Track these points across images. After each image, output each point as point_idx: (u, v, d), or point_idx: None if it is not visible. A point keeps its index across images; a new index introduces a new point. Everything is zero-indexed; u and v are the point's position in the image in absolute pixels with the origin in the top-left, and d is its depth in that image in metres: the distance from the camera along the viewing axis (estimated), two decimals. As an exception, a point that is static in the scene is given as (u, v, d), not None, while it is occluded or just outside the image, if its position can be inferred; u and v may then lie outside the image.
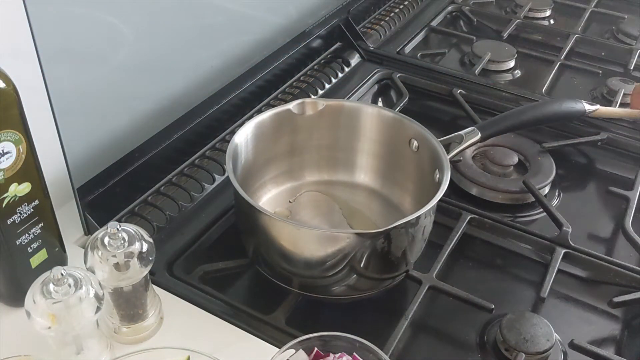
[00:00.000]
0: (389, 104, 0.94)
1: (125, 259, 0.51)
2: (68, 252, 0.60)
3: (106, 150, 0.69)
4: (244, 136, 0.66)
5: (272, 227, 0.58)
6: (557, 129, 0.87)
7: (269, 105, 0.86)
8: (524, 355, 0.57)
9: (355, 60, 1.00)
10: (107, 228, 0.51)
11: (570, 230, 0.69)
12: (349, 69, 0.97)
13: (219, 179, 0.74)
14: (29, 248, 0.55)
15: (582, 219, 0.74)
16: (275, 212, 0.71)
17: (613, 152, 0.86)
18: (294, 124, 0.70)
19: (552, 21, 1.18)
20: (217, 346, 0.54)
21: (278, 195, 0.73)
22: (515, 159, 0.79)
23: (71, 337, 0.50)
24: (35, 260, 0.56)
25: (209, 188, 0.73)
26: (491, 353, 0.59)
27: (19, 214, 0.52)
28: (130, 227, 0.53)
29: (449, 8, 1.19)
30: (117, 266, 0.51)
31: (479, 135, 0.73)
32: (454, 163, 0.78)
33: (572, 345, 0.59)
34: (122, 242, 0.51)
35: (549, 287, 0.64)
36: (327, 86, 0.93)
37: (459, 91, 0.93)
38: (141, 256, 0.52)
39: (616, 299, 0.64)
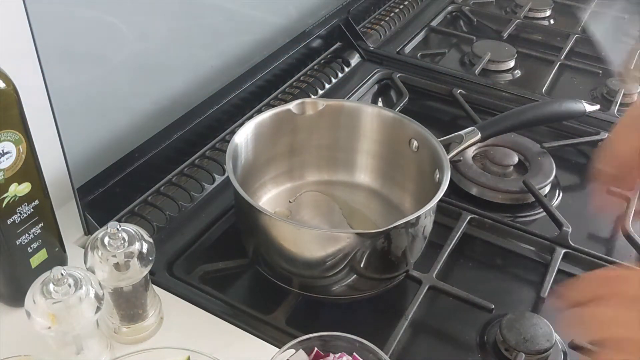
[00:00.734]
0: (389, 104, 0.94)
1: (125, 259, 0.51)
2: (68, 252, 0.60)
3: (106, 150, 0.69)
4: (244, 136, 0.66)
5: (272, 227, 0.58)
6: (557, 129, 0.87)
7: (269, 105, 0.86)
8: (524, 355, 0.57)
9: (355, 60, 1.00)
10: (107, 228, 0.51)
11: (570, 230, 0.69)
12: (349, 69, 0.98)
13: (219, 179, 0.74)
14: (29, 248, 0.55)
15: (582, 219, 0.74)
16: (275, 212, 0.71)
17: (613, 152, 0.85)
18: (294, 124, 0.70)
19: (552, 21, 1.18)
20: (217, 346, 0.54)
21: (278, 195, 0.73)
22: (515, 159, 0.79)
23: (71, 337, 0.50)
24: (35, 260, 0.56)
25: (209, 188, 0.73)
26: (491, 353, 0.59)
27: (19, 214, 0.52)
28: (130, 227, 0.53)
29: (449, 8, 1.19)
30: (117, 266, 0.51)
31: (479, 135, 0.73)
32: (454, 163, 0.78)
33: (572, 345, 0.59)
34: (122, 242, 0.51)
35: (549, 287, 0.64)
36: (327, 86, 0.93)
37: (459, 91, 0.93)
38: (141, 256, 0.52)
39: (616, 299, 0.64)
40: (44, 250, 0.56)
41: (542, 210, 0.74)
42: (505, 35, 1.10)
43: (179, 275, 0.63)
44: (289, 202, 0.73)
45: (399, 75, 0.96)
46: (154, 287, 0.58)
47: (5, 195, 0.50)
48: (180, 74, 0.78)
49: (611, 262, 0.67)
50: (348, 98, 0.91)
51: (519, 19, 1.15)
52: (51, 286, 0.47)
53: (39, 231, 0.55)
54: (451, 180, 0.63)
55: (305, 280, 0.61)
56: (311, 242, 0.58)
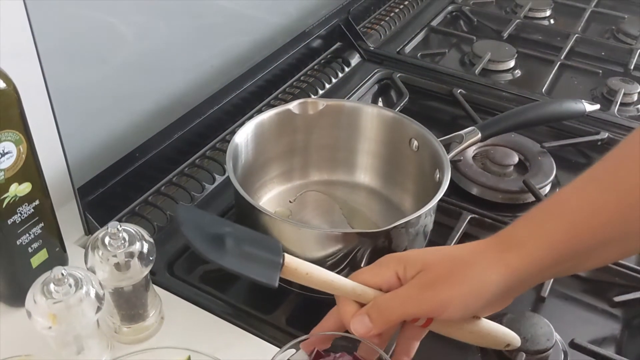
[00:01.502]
0: (389, 104, 0.94)
1: (126, 259, 0.51)
2: (68, 252, 0.60)
3: (106, 150, 0.69)
4: (244, 136, 0.66)
5: (272, 227, 0.58)
6: (557, 128, 0.87)
7: (269, 105, 0.86)
8: (524, 354, 0.57)
9: (355, 60, 1.00)
10: (107, 228, 0.51)
11: (570, 230, 0.69)
12: (349, 68, 0.98)
13: (219, 178, 0.74)
14: (29, 248, 0.55)
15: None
16: (275, 212, 0.71)
17: (613, 152, 0.85)
18: (295, 124, 0.70)
19: (552, 21, 1.18)
20: (218, 346, 0.54)
21: (278, 195, 0.73)
22: (516, 159, 0.79)
23: (72, 337, 0.50)
24: (35, 260, 0.56)
25: (210, 188, 0.73)
26: (491, 353, 0.59)
27: (19, 214, 0.52)
28: (131, 227, 0.53)
29: (449, 8, 1.19)
30: (117, 266, 0.51)
31: (479, 135, 0.73)
32: (454, 163, 0.78)
33: (573, 345, 0.59)
34: (123, 242, 0.51)
35: (549, 287, 0.64)
36: (328, 86, 0.93)
37: (459, 91, 0.93)
38: (142, 256, 0.52)
39: (617, 299, 0.64)
40: (44, 250, 0.56)
41: (542, 210, 0.74)
42: (506, 35, 1.10)
43: (179, 275, 0.63)
44: (290, 202, 0.73)
45: (399, 75, 0.97)
46: (155, 287, 0.58)
47: (5, 195, 0.50)
48: (181, 74, 0.78)
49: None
50: (348, 98, 0.91)
51: (519, 19, 1.15)
52: (52, 286, 0.47)
53: (39, 231, 0.55)
54: (451, 180, 0.63)
55: (305, 280, 0.61)
56: (312, 241, 0.58)
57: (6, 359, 0.49)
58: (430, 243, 0.64)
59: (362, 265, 0.58)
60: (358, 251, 0.57)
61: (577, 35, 1.09)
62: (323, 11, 1.00)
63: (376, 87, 0.97)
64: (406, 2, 1.16)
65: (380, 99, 0.97)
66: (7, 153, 0.49)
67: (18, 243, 0.54)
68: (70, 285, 0.48)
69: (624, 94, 0.93)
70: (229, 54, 0.85)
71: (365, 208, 0.72)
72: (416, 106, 0.93)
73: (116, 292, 0.53)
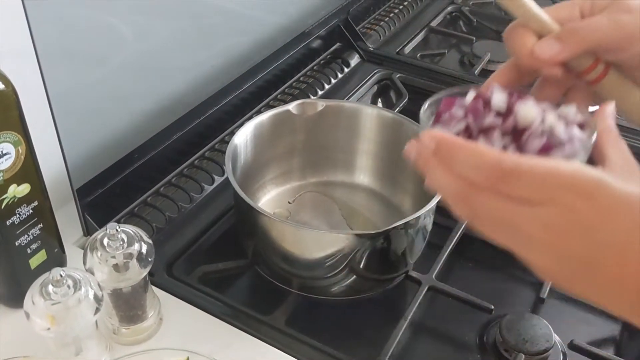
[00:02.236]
0: (388, 105, 0.94)
1: (125, 260, 0.51)
2: (67, 253, 0.60)
3: (105, 151, 0.69)
4: (243, 137, 0.66)
5: (271, 228, 0.58)
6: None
7: (269, 106, 0.86)
8: (523, 355, 0.57)
9: (354, 60, 0.99)
10: (106, 229, 0.51)
11: (569, 230, 0.69)
12: (349, 69, 0.97)
13: (218, 179, 0.74)
14: (28, 249, 0.55)
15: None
16: (274, 213, 0.71)
17: (613, 153, 0.85)
18: (294, 124, 0.70)
19: (552, 21, 1.18)
20: (217, 347, 0.54)
21: (277, 196, 0.73)
22: (515, 160, 0.79)
23: (70, 338, 0.50)
24: (34, 261, 0.56)
25: (209, 189, 0.73)
26: (491, 354, 0.59)
27: (18, 215, 0.52)
28: (130, 228, 0.53)
29: (449, 8, 1.19)
30: (116, 267, 0.51)
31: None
32: (453, 163, 0.78)
33: (572, 346, 0.59)
34: (122, 243, 0.51)
35: (548, 288, 0.64)
36: (327, 87, 0.93)
37: (458, 91, 0.93)
38: (140, 257, 0.52)
39: (616, 300, 0.64)
40: (43, 251, 0.56)
41: (541, 210, 0.74)
42: (505, 35, 1.10)
43: (178, 276, 0.63)
44: (289, 202, 0.73)
45: (398, 75, 0.96)
46: (153, 288, 0.58)
47: (4, 197, 0.50)
48: (180, 74, 0.78)
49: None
50: (348, 99, 0.91)
51: (519, 19, 1.14)
52: (50, 287, 0.47)
53: (38, 232, 0.55)
54: (451, 181, 0.63)
55: (304, 281, 0.61)
56: (311, 242, 0.58)
57: (5, 360, 0.49)
58: (430, 244, 0.64)
59: (361, 266, 0.58)
60: (357, 252, 0.57)
61: (576, 35, 1.09)
62: (323, 12, 1.00)
63: (375, 87, 0.97)
64: (406, 3, 1.16)
65: (379, 100, 0.96)
66: (5, 154, 0.49)
67: (17, 244, 0.53)
68: (68, 287, 0.48)
69: (624, 94, 0.93)
70: (228, 54, 0.84)
71: (364, 209, 0.72)
72: (416, 107, 0.91)
73: (115, 293, 0.53)
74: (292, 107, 0.69)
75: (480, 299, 0.62)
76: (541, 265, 0.35)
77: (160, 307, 0.57)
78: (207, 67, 0.82)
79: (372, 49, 1.02)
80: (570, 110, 0.42)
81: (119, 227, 0.51)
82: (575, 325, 0.63)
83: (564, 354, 0.59)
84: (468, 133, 0.39)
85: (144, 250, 0.52)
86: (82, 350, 0.52)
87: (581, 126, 0.41)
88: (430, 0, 1.19)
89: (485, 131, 0.38)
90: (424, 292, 0.62)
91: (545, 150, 0.38)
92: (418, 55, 1.04)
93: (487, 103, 0.39)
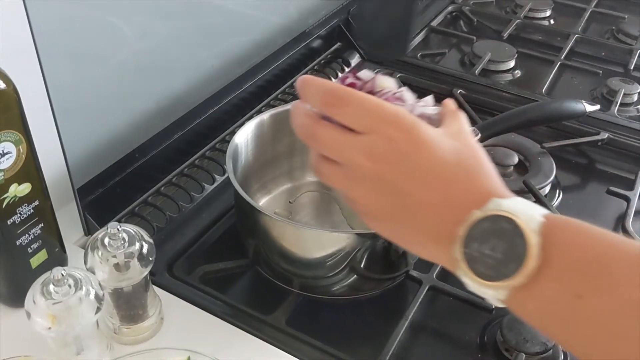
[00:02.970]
0: (389, 104, 0.94)
1: (126, 260, 0.51)
2: (68, 252, 0.60)
3: (106, 150, 0.69)
4: (244, 136, 0.66)
5: (272, 227, 0.58)
6: (557, 129, 0.87)
7: (269, 106, 0.86)
8: (524, 355, 0.57)
9: (355, 60, 0.99)
10: (107, 228, 0.51)
11: (570, 230, 0.69)
12: (349, 69, 0.97)
13: (219, 179, 0.74)
14: (29, 248, 0.55)
15: (583, 219, 0.74)
16: (275, 212, 0.71)
17: (613, 152, 0.86)
18: (294, 124, 0.70)
19: (552, 21, 1.18)
20: (217, 347, 0.54)
21: (278, 196, 0.73)
22: (516, 159, 0.79)
23: (71, 337, 0.50)
24: (35, 261, 0.56)
25: (209, 188, 0.73)
26: (491, 353, 0.59)
27: (19, 215, 0.52)
28: (131, 228, 0.53)
29: (449, 8, 1.19)
30: (117, 267, 0.51)
31: (479, 135, 0.73)
32: (454, 163, 0.78)
33: (573, 346, 0.59)
34: (122, 242, 0.51)
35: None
36: (327, 86, 0.92)
37: (459, 91, 0.93)
38: (141, 256, 0.52)
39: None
40: (44, 251, 0.56)
41: (542, 210, 0.74)
42: (506, 35, 1.10)
43: (179, 276, 0.63)
44: (289, 202, 0.73)
45: (399, 75, 0.96)
46: (154, 287, 0.58)
47: (5, 196, 0.50)
48: (181, 74, 0.78)
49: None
50: (348, 98, 0.91)
51: (519, 19, 1.14)
52: (51, 287, 0.47)
53: (39, 232, 0.55)
54: (451, 181, 0.63)
55: (305, 280, 0.61)
56: (311, 242, 0.58)
57: (6, 360, 0.49)
58: (430, 243, 0.64)
59: (362, 265, 0.58)
60: (358, 252, 0.57)
61: (577, 35, 1.09)
62: (323, 11, 1.00)
63: (376, 87, 0.97)
64: (406, 2, 1.16)
65: (380, 99, 0.96)
66: (6, 153, 0.49)
67: (18, 243, 0.53)
68: (69, 286, 0.48)
69: (624, 94, 0.93)
70: (229, 54, 0.84)
71: (365, 208, 0.72)
72: (416, 106, 0.92)
73: (116, 292, 0.53)
74: (292, 106, 0.69)
75: (481, 299, 0.61)
76: (365, 201, 0.40)
77: (161, 307, 0.57)
78: (207, 66, 0.82)
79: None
80: (427, 98, 0.46)
81: (120, 227, 0.51)
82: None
83: (565, 354, 0.59)
84: None
85: (144, 250, 0.52)
86: (83, 349, 0.52)
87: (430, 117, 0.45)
88: (430, 0, 1.19)
89: None
90: (424, 291, 0.62)
91: None
92: (419, 54, 1.04)
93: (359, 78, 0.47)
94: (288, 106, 0.69)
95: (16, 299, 0.55)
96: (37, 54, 0.56)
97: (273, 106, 0.81)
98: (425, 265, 0.64)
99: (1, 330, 0.55)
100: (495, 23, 1.15)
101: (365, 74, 0.46)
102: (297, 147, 0.72)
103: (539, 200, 0.74)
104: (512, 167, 0.79)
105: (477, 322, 0.62)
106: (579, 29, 1.11)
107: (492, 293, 0.37)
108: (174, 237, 0.67)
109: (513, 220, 0.35)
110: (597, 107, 0.84)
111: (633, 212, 0.74)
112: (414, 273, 0.64)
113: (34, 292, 0.47)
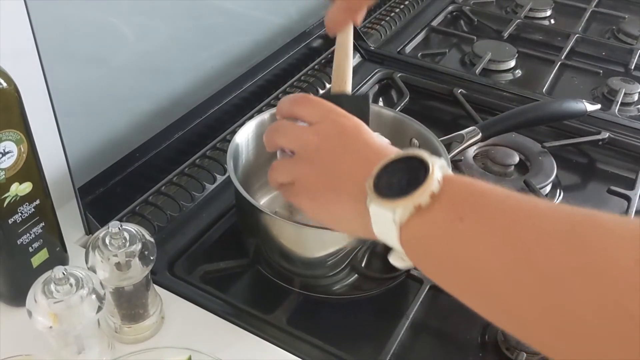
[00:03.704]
0: (389, 104, 0.94)
1: (127, 259, 0.51)
2: (69, 251, 0.60)
3: (107, 150, 0.69)
4: (244, 136, 0.66)
5: (273, 226, 0.58)
6: (557, 128, 0.87)
7: (270, 106, 0.86)
8: (525, 354, 0.57)
9: (355, 60, 1.00)
10: (108, 228, 0.51)
11: (571, 229, 0.69)
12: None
13: (219, 178, 0.74)
14: (30, 248, 0.55)
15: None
16: (276, 212, 0.70)
17: (614, 152, 0.86)
18: (295, 123, 0.70)
19: (552, 21, 1.18)
20: (218, 346, 0.54)
21: (279, 195, 0.72)
22: (516, 159, 0.79)
23: (72, 336, 0.50)
24: (36, 260, 0.56)
25: (210, 188, 0.73)
26: (492, 352, 0.59)
27: (20, 214, 0.52)
28: (132, 227, 0.53)
29: (450, 8, 1.19)
30: (118, 266, 0.51)
31: (480, 134, 0.73)
32: (455, 162, 0.78)
33: (574, 345, 0.59)
34: (123, 241, 0.51)
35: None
36: (328, 86, 0.92)
37: (459, 91, 0.93)
38: (142, 256, 0.52)
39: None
40: (45, 250, 0.56)
41: (543, 209, 0.74)
42: (506, 35, 1.10)
43: (180, 275, 0.63)
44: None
45: (399, 75, 0.96)
46: (155, 286, 0.58)
47: (6, 195, 0.50)
48: (181, 74, 0.78)
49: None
50: (349, 98, 0.91)
51: (520, 19, 1.15)
52: (52, 286, 0.47)
53: (40, 231, 0.55)
54: (452, 180, 0.63)
55: (306, 279, 0.61)
56: (312, 241, 0.58)
57: (6, 359, 0.49)
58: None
59: (363, 265, 0.58)
60: (359, 251, 0.57)
61: (577, 35, 1.09)
62: (323, 11, 0.99)
63: (377, 87, 0.97)
64: (406, 2, 1.16)
65: (380, 99, 0.97)
66: (7, 152, 0.49)
67: (19, 243, 0.54)
68: (71, 285, 0.48)
69: (625, 93, 0.93)
70: (229, 54, 0.85)
71: (365, 208, 0.72)
72: (417, 106, 0.93)
73: (117, 291, 0.53)
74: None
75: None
76: (304, 177, 0.46)
77: (162, 306, 0.57)
78: (207, 67, 0.82)
79: (373, 49, 1.02)
80: None
81: (121, 226, 0.51)
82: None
83: (566, 353, 0.59)
84: None
85: (145, 249, 0.52)
86: (84, 348, 0.52)
87: None
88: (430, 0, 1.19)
89: None
90: (425, 290, 0.62)
91: None
92: (419, 54, 1.04)
93: None
94: (289, 106, 0.69)
95: (17, 298, 0.55)
96: (39, 54, 0.56)
97: (273, 106, 0.81)
98: (426, 265, 0.64)
99: (2, 329, 0.55)
100: (496, 23, 1.16)
101: None
102: (298, 147, 0.72)
103: (539, 199, 0.74)
104: (512, 167, 0.79)
105: (478, 321, 0.62)
106: (580, 29, 1.11)
107: (390, 216, 0.39)
108: (175, 236, 0.67)
109: (423, 159, 0.39)
110: (598, 106, 0.84)
111: (634, 211, 0.74)
112: (415, 272, 0.64)
113: (35, 291, 0.48)
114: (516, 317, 0.36)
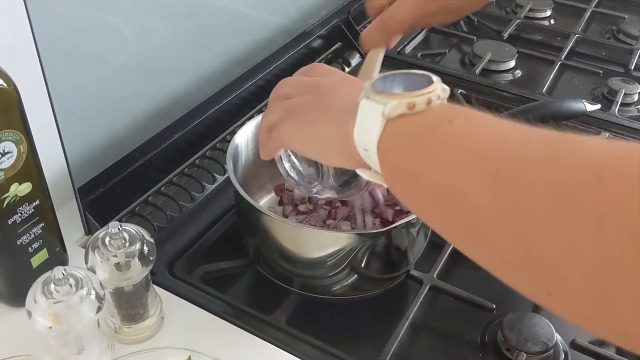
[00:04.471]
0: (389, 104, 0.94)
1: (126, 259, 0.51)
2: (69, 252, 0.60)
3: (107, 150, 0.69)
4: (244, 136, 0.66)
5: (272, 227, 0.58)
6: (557, 128, 0.87)
7: (270, 106, 0.86)
8: (525, 355, 0.57)
9: (356, 60, 0.99)
10: (108, 228, 0.51)
11: (571, 230, 0.69)
12: (350, 69, 0.97)
13: (219, 179, 0.74)
14: (29, 248, 0.55)
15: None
16: (275, 212, 0.70)
17: (614, 152, 0.85)
18: (295, 123, 0.70)
19: (552, 21, 1.18)
20: (218, 346, 0.54)
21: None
22: (516, 159, 0.79)
23: (72, 337, 0.50)
24: (36, 260, 0.56)
25: (210, 188, 0.73)
26: (492, 353, 0.59)
27: (19, 214, 0.52)
28: (131, 227, 0.53)
29: (450, 8, 1.18)
30: (118, 266, 0.51)
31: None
32: (454, 163, 0.78)
33: (573, 345, 0.59)
34: (123, 242, 0.51)
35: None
36: (328, 86, 0.92)
37: (459, 91, 0.93)
38: (142, 256, 0.52)
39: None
40: (44, 250, 0.56)
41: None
42: (506, 35, 1.10)
43: (179, 275, 0.63)
44: (290, 202, 0.73)
45: (399, 75, 0.96)
46: (155, 287, 0.58)
47: (6, 195, 0.50)
48: (181, 74, 0.78)
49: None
50: (348, 98, 0.91)
51: (520, 19, 1.14)
52: (52, 286, 0.47)
53: (39, 231, 0.55)
54: (452, 180, 0.63)
55: (306, 280, 0.61)
56: (312, 242, 0.58)
57: (6, 359, 0.49)
58: (431, 243, 0.64)
59: (362, 265, 0.58)
60: (359, 251, 0.57)
61: (577, 35, 1.09)
62: (323, 11, 1.00)
63: (376, 87, 0.97)
64: (406, 2, 1.16)
65: (380, 99, 0.96)
66: (7, 153, 0.49)
67: (18, 243, 0.54)
68: (70, 285, 0.48)
69: (625, 94, 0.93)
70: (229, 54, 0.85)
71: (365, 208, 0.72)
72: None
73: (116, 292, 0.53)
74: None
75: (482, 298, 0.62)
76: (295, 99, 0.49)
77: (161, 306, 0.57)
78: (207, 67, 0.82)
79: (372, 49, 1.02)
80: None
81: (121, 226, 0.51)
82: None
83: (566, 353, 0.59)
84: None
85: (145, 249, 0.52)
86: (83, 349, 0.52)
87: None
88: (430, 0, 1.19)
89: None
90: (425, 291, 0.62)
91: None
92: (419, 54, 1.04)
93: None
94: (288, 106, 0.69)
95: (17, 298, 0.55)
96: (38, 54, 0.56)
97: (273, 106, 0.81)
98: (426, 265, 0.64)
99: (2, 329, 0.55)
100: (496, 23, 1.15)
101: None
102: (298, 147, 0.72)
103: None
104: (512, 167, 0.79)
105: (478, 321, 0.62)
106: (579, 29, 1.11)
107: (380, 109, 0.38)
108: (175, 236, 0.67)
109: (428, 75, 0.40)
110: (598, 106, 0.84)
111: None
112: (415, 273, 0.64)
113: (34, 292, 0.48)
114: (492, 235, 0.36)
